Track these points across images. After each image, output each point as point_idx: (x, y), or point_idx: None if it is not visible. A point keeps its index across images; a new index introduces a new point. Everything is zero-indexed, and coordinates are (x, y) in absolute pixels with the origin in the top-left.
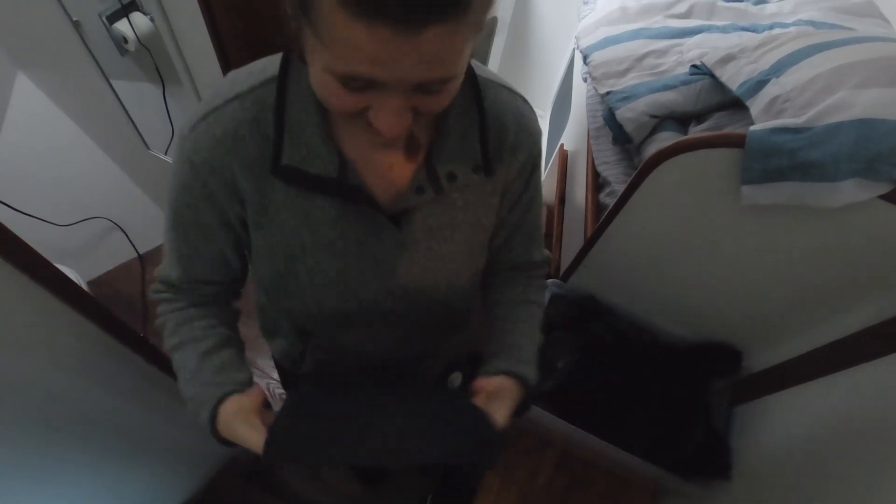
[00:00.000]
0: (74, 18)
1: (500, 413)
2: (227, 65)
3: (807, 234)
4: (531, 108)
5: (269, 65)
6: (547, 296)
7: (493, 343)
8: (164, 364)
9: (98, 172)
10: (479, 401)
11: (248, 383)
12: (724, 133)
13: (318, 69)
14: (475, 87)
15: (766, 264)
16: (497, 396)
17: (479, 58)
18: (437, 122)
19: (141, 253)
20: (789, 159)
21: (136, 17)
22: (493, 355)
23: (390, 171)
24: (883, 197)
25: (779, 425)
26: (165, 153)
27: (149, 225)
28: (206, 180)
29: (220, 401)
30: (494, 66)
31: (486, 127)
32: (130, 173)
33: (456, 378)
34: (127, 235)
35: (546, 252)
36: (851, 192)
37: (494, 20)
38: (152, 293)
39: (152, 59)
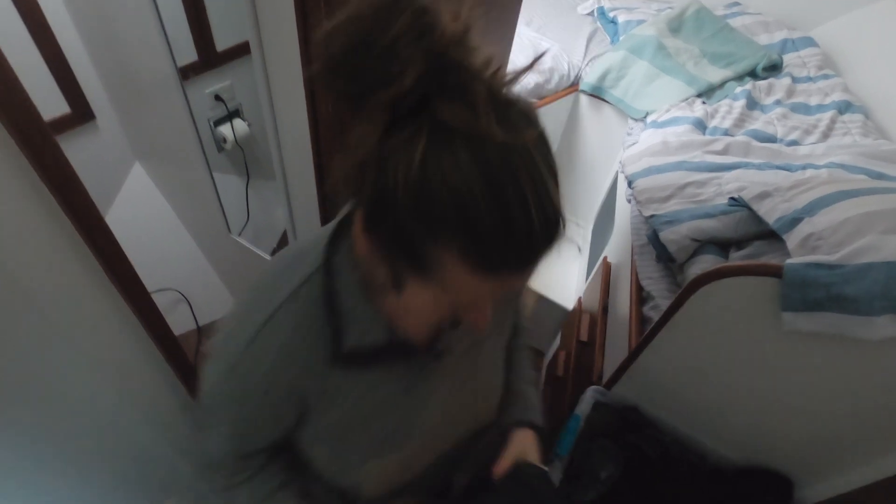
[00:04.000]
0: (195, 122)
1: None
2: (320, 167)
3: (851, 363)
4: None
5: (302, 259)
6: (590, 402)
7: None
8: None
9: (179, 250)
10: (511, 454)
11: None
12: (762, 263)
13: (419, 303)
14: None
15: (813, 390)
16: (529, 449)
17: None
18: None
19: (200, 325)
20: (825, 292)
21: (237, 122)
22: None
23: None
24: None
25: None
26: (239, 235)
27: (211, 300)
28: (268, 391)
29: None
30: None
31: None
32: (206, 252)
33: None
34: (191, 307)
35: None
36: (887, 326)
37: None
38: (205, 484)
39: (243, 157)
